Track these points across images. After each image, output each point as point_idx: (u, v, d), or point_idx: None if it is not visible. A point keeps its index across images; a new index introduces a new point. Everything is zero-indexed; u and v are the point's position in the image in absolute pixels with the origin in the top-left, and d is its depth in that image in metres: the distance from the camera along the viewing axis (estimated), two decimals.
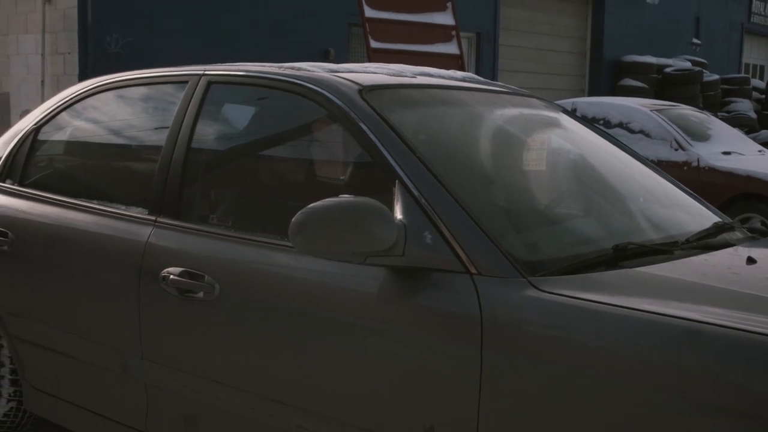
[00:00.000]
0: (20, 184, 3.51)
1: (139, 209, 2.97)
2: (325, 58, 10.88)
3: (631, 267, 2.25)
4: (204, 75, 3.02)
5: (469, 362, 2.07)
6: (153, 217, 2.88)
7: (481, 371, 2.06)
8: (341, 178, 2.84)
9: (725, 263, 2.44)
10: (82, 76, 8.96)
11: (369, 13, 8.76)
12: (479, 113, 3.07)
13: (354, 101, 2.58)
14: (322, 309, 2.37)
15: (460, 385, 2.10)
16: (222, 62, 3.23)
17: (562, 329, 2.00)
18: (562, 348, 1.98)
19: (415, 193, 2.29)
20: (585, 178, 3.09)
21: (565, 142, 3.28)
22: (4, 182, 3.56)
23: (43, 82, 9.67)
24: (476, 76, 3.44)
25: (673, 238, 2.55)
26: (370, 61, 8.07)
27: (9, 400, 3.47)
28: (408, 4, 9.10)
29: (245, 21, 10.44)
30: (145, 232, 2.86)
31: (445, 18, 9.41)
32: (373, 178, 2.53)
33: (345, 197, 2.19)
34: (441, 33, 9.18)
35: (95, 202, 3.16)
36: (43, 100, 8.88)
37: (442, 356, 2.14)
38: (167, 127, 3.01)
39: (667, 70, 17.16)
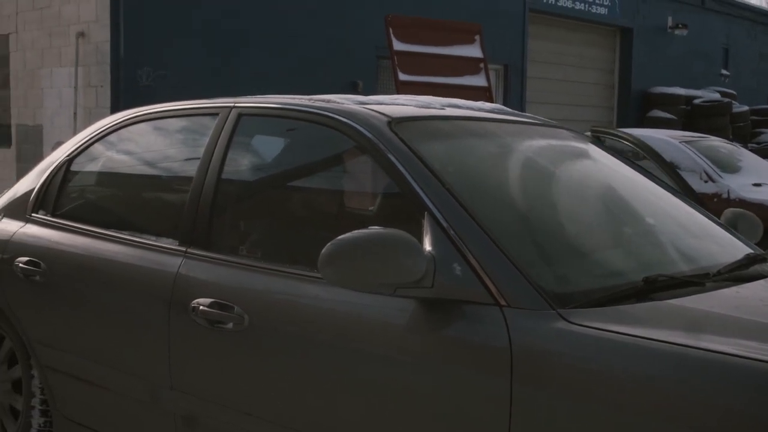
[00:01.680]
0: (53, 215, 3.55)
1: (170, 240, 2.98)
2: (353, 90, 10.95)
3: (661, 299, 2.24)
4: (234, 107, 3.05)
5: (498, 395, 2.06)
6: (183, 248, 2.90)
7: (511, 404, 2.04)
8: (370, 209, 2.84)
9: (758, 295, 2.42)
10: (114, 109, 9.06)
11: (398, 46, 8.81)
12: (508, 144, 3.07)
13: (383, 133, 2.59)
14: (351, 340, 2.37)
15: (489, 418, 2.08)
16: (252, 95, 3.26)
17: (592, 362, 1.98)
18: (592, 381, 1.96)
19: (444, 224, 2.29)
20: (614, 209, 3.08)
21: (595, 173, 3.27)
22: (37, 213, 3.61)
23: (75, 114, 9.80)
24: (505, 108, 3.45)
25: (704, 270, 2.52)
26: (398, 93, 8.11)
27: (39, 430, 3.48)
28: (436, 37, 9.15)
29: (275, 54, 10.53)
30: (175, 263, 2.88)
31: (473, 50, 9.45)
32: (402, 209, 2.54)
33: (374, 229, 2.19)
34: (469, 65, 9.21)
35: (126, 232, 3.18)
36: (75, 133, 8.99)
37: (472, 389, 2.13)
38: (198, 159, 3.04)
39: (696, 101, 17.10)
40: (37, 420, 3.48)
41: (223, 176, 2.93)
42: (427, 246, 2.25)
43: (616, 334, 1.99)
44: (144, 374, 2.96)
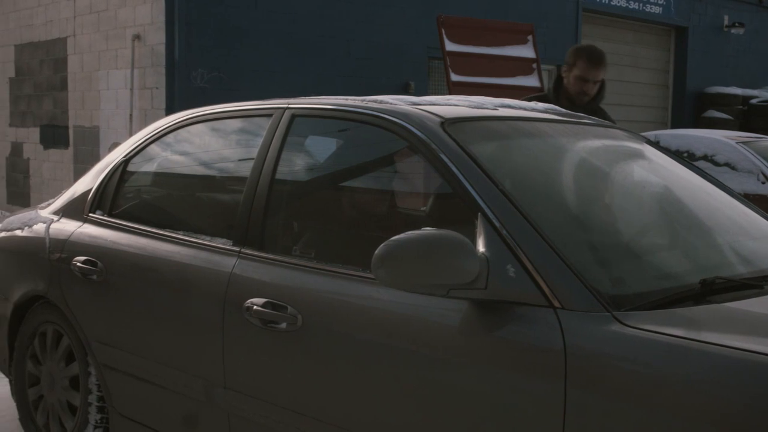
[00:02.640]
0: (109, 215, 3.61)
1: (224, 240, 3.01)
2: (405, 91, 10.95)
3: (719, 302, 2.20)
4: (288, 108, 3.07)
5: (552, 398, 2.04)
6: (237, 248, 2.93)
7: (565, 407, 2.02)
8: (422, 210, 2.84)
9: None
10: (169, 110, 9.17)
11: (450, 46, 8.79)
12: (562, 145, 3.04)
13: (436, 134, 2.59)
14: (404, 341, 2.37)
15: (543, 421, 2.06)
16: (304, 96, 3.28)
17: (648, 366, 1.95)
18: (648, 385, 1.93)
19: (498, 225, 2.28)
20: (670, 210, 3.04)
21: (649, 173, 3.24)
22: (94, 213, 3.67)
23: (131, 115, 9.93)
24: (558, 108, 3.42)
25: (763, 272, 2.48)
26: (450, 94, 8.09)
27: (96, 427, 3.53)
28: (489, 37, 9.11)
29: (327, 55, 10.58)
30: (229, 263, 2.90)
31: (525, 51, 9.39)
32: (455, 210, 2.53)
33: (428, 230, 2.19)
34: (522, 66, 9.16)
35: (181, 232, 3.22)
36: (131, 134, 9.12)
37: (525, 391, 2.12)
38: (252, 159, 3.06)
39: (753, 101, 16.78)
40: (93, 416, 3.53)
41: (277, 177, 2.95)
42: (481, 247, 2.24)
43: (672, 338, 1.96)
44: (198, 373, 2.99)
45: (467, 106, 2.98)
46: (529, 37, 9.44)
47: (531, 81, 9.21)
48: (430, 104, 2.86)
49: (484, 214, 2.32)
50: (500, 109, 3.05)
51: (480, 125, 2.83)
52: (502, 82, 8.79)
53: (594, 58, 4.70)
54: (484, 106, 3.03)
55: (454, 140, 2.56)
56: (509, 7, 12.16)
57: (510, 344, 2.17)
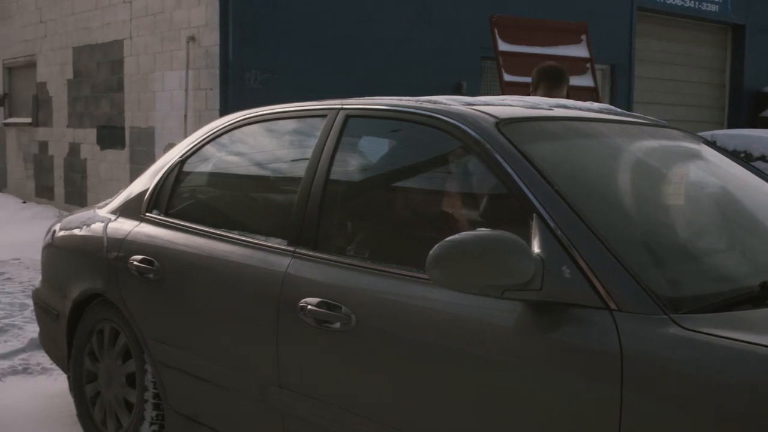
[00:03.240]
0: (165, 215, 3.65)
1: (279, 240, 3.03)
2: (457, 91, 10.92)
3: None
4: (342, 109, 3.09)
5: (608, 401, 2.03)
6: (292, 248, 2.95)
7: (621, 411, 2.00)
8: (477, 210, 2.84)
9: None
10: (223, 111, 9.25)
11: (503, 46, 8.74)
12: (618, 145, 3.02)
13: (491, 134, 2.59)
14: (458, 342, 2.37)
15: (598, 424, 2.05)
16: (357, 97, 3.29)
17: (706, 370, 1.93)
18: (705, 389, 1.91)
19: (553, 226, 2.27)
20: (728, 212, 2.99)
21: (706, 174, 3.19)
22: (150, 213, 3.72)
23: (185, 116, 10.04)
24: (614, 108, 3.39)
25: None
26: (503, 94, 8.05)
27: (151, 423, 3.58)
28: (542, 37, 9.04)
29: (379, 56, 10.59)
30: (284, 263, 2.92)
31: (579, 50, 9.30)
32: (510, 211, 2.52)
33: (482, 231, 2.19)
34: (575, 65, 9.07)
35: (236, 232, 3.25)
36: (185, 134, 9.23)
37: (580, 394, 2.10)
38: (306, 160, 3.08)
39: None
40: (149, 413, 3.58)
41: (331, 177, 2.97)
42: (536, 248, 2.23)
43: (731, 341, 1.93)
44: (253, 371, 3.02)
45: (522, 107, 2.97)
46: (583, 37, 9.35)
47: (585, 81, 9.13)
48: (484, 104, 2.86)
49: (539, 215, 2.31)
50: (555, 109, 3.04)
51: (535, 125, 2.82)
52: None
53: (554, 78, 5.41)
54: (539, 106, 3.02)
55: (509, 140, 2.55)
56: (563, 6, 12.06)
57: (565, 346, 2.16)
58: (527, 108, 2.96)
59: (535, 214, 2.31)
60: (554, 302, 2.19)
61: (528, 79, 8.59)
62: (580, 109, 3.16)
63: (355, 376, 2.66)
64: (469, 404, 2.34)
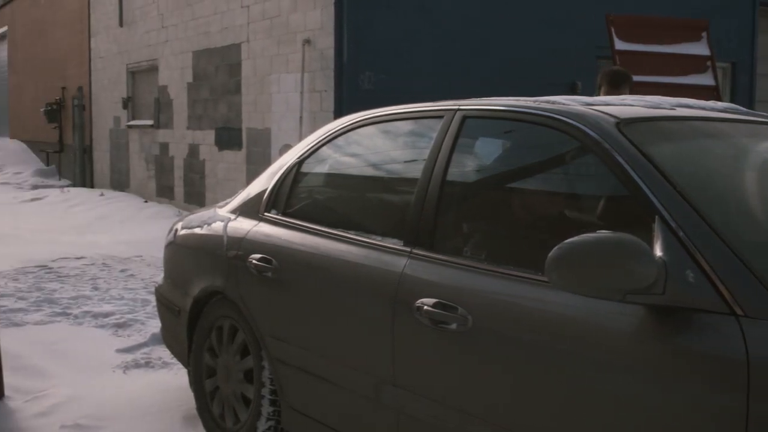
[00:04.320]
0: (283, 214, 3.72)
1: (395, 240, 3.05)
2: (572, 91, 10.77)
3: None
4: (459, 110, 3.08)
5: (732, 411, 1.96)
6: (408, 249, 2.96)
7: (747, 422, 1.94)
8: (595, 212, 2.79)
9: None
10: (337, 113, 9.36)
11: (619, 45, 8.57)
12: (743, 145, 2.92)
13: (611, 134, 2.54)
14: (576, 345, 2.33)
15: None
16: (471, 98, 3.27)
17: None
18: None
19: (676, 229, 2.21)
20: None
21: None
22: (269, 212, 3.79)
23: (301, 118, 10.19)
24: (739, 107, 3.29)
25: None
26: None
27: (268, 419, 3.64)
28: (660, 35, 8.83)
29: (492, 56, 10.53)
30: (400, 263, 2.94)
31: (699, 48, 9.04)
32: (629, 212, 2.48)
33: (603, 233, 2.15)
34: (695, 64, 8.83)
35: (353, 232, 3.28)
36: (300, 136, 9.38)
37: (702, 402, 2.04)
38: (422, 161, 3.09)
39: None
40: (266, 409, 3.64)
41: (448, 178, 2.97)
42: (658, 251, 2.18)
43: None
44: (368, 370, 3.04)
45: (643, 106, 2.91)
46: (704, 34, 9.09)
47: (705, 79, 8.87)
48: (604, 104, 2.81)
49: (662, 217, 2.26)
50: (678, 108, 2.96)
51: (657, 125, 2.76)
52: (674, 81, 8.50)
53: (616, 80, 5.93)
54: (661, 105, 2.95)
55: (630, 141, 2.50)
56: (681, 3, 11.75)
57: (687, 352, 2.10)
58: (648, 108, 2.90)
59: (657, 217, 2.26)
60: (677, 307, 2.13)
61: (646, 78, 8.43)
62: (703, 108, 3.08)
63: (470, 377, 2.65)
64: (584, 409, 2.31)
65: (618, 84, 5.99)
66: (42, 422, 4.20)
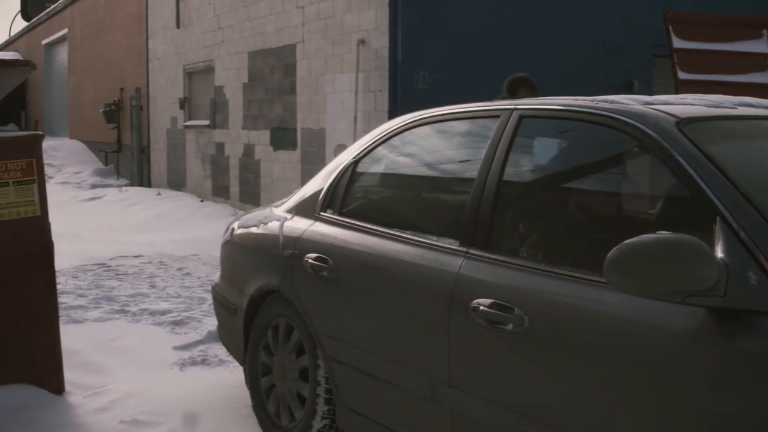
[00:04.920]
0: (339, 214, 3.74)
1: (450, 240, 3.05)
2: (628, 90, 10.65)
3: None
4: (516, 109, 3.07)
5: None
6: (464, 249, 2.95)
7: None
8: (653, 213, 2.76)
9: None
10: (391, 113, 9.36)
11: (677, 43, 8.45)
12: None
13: (671, 134, 2.51)
14: (634, 347, 2.31)
15: None
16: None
17: None
18: None
19: (738, 229, 2.18)
20: None
21: None
22: (325, 212, 3.81)
23: (355, 118, 10.22)
24: None
25: None
26: (677, 93, 7.80)
27: (323, 418, 3.66)
28: (719, 32, 8.69)
29: (547, 55, 10.46)
30: (456, 263, 2.93)
31: (759, 46, 8.88)
32: (689, 213, 2.44)
33: (663, 234, 2.12)
34: (756, 62, 8.67)
35: (408, 232, 3.28)
36: (355, 136, 9.40)
37: (763, 407, 2.00)
38: (478, 160, 3.08)
39: None
40: (321, 407, 3.66)
41: (504, 178, 2.95)
42: (719, 252, 2.14)
43: None
44: (423, 370, 3.04)
45: (704, 105, 2.87)
46: (764, 31, 8.92)
47: (765, 78, 8.71)
48: (663, 103, 2.78)
49: (723, 218, 2.22)
50: (740, 107, 2.91)
51: (718, 125, 2.71)
52: (734, 79, 8.35)
53: (511, 86, 6.34)
54: (722, 105, 2.90)
55: (691, 140, 2.47)
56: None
57: (748, 356, 2.07)
58: (709, 107, 2.86)
59: (718, 218, 2.23)
60: (738, 309, 2.10)
61: (704, 77, 8.30)
62: (766, 107, 3.02)
63: (527, 378, 2.64)
64: (641, 411, 2.28)
65: (514, 90, 6.33)
66: (101, 417, 4.28)
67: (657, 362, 2.25)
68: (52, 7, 26.66)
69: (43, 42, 27.96)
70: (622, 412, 2.34)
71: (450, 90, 9.45)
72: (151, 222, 12.67)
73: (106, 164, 20.73)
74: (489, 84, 9.75)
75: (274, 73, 12.42)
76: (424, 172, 3.76)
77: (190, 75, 15.86)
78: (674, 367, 2.21)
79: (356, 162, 3.82)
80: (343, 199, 3.78)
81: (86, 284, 7.68)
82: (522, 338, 2.62)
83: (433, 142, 3.68)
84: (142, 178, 18.03)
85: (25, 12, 32.95)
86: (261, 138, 12.91)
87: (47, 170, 5.14)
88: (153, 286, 7.66)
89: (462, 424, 2.89)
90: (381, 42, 9.88)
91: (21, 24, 34.07)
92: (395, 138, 3.73)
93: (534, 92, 6.29)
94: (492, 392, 2.75)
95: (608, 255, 2.15)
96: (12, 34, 35.36)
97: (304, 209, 3.97)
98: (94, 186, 18.41)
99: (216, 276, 4.83)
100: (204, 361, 5.31)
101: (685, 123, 2.56)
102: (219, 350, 5.38)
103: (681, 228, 2.19)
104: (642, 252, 2.10)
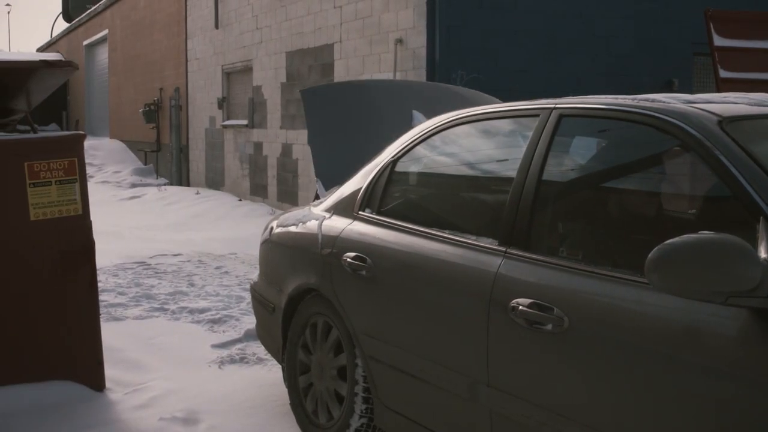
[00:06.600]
0: (377, 213, 3.74)
1: (489, 240, 3.04)
2: (668, 89, 10.55)
3: None
4: (555, 108, 3.05)
5: None
6: (503, 248, 2.94)
7: None
8: (695, 212, 2.73)
9: None
10: None
11: (719, 41, 8.37)
12: None
13: (713, 133, 2.48)
14: (676, 348, 2.28)
15: None
16: (565, 96, 3.23)
17: None
18: None
19: None
20: None
21: None
22: (363, 211, 3.82)
23: None
24: None
25: None
26: (718, 91, 7.71)
27: (361, 416, 3.67)
28: (762, 30, 8.59)
29: (586, 54, 10.40)
30: (495, 263, 2.92)
31: None
32: (731, 213, 2.42)
33: (705, 234, 2.10)
34: None
35: (447, 231, 3.28)
36: None
37: None
38: (517, 160, 3.07)
39: None
40: (359, 406, 3.67)
41: (544, 177, 2.94)
42: (763, 253, 2.12)
43: None
44: (462, 370, 3.03)
45: (746, 104, 2.83)
46: None
47: None
48: (705, 102, 2.75)
49: (766, 218, 2.19)
50: None
51: (762, 124, 2.68)
52: None
53: None
54: (765, 103, 2.86)
55: (733, 140, 2.44)
56: None
57: None
58: (752, 105, 2.82)
59: (762, 218, 2.20)
60: None
61: (746, 75, 8.21)
62: None
63: (566, 379, 2.62)
64: (682, 412, 2.26)
65: None
66: (141, 414, 4.32)
67: (698, 363, 2.23)
68: (93, 8, 26.99)
69: (84, 43, 28.32)
70: (660, 413, 2.32)
71: (487, 89, 9.42)
72: (190, 221, 12.78)
73: (145, 164, 20.94)
74: (527, 82, 9.73)
75: (312, 73, 12.46)
76: (463, 171, 3.75)
77: (228, 75, 15.96)
78: (716, 368, 2.19)
79: (395, 161, 3.82)
80: (382, 198, 3.78)
81: (126, 282, 7.77)
82: (561, 338, 2.60)
83: (472, 141, 3.67)
84: (181, 178, 18.20)
85: (67, 13, 33.44)
86: (299, 137, 12.96)
87: (88, 169, 5.19)
88: (192, 285, 7.72)
89: (500, 424, 2.88)
90: (418, 41, 9.88)
91: (62, 25, 34.57)
92: (434, 137, 3.72)
93: None
94: (531, 393, 2.74)
95: (649, 255, 2.13)
96: (54, 35, 35.85)
97: (342, 208, 3.97)
98: (133, 185, 18.62)
99: (254, 275, 4.85)
100: (242, 360, 5.34)
101: (727, 122, 2.53)
102: (257, 348, 5.41)
103: (723, 228, 2.17)
104: (684, 252, 2.08)
